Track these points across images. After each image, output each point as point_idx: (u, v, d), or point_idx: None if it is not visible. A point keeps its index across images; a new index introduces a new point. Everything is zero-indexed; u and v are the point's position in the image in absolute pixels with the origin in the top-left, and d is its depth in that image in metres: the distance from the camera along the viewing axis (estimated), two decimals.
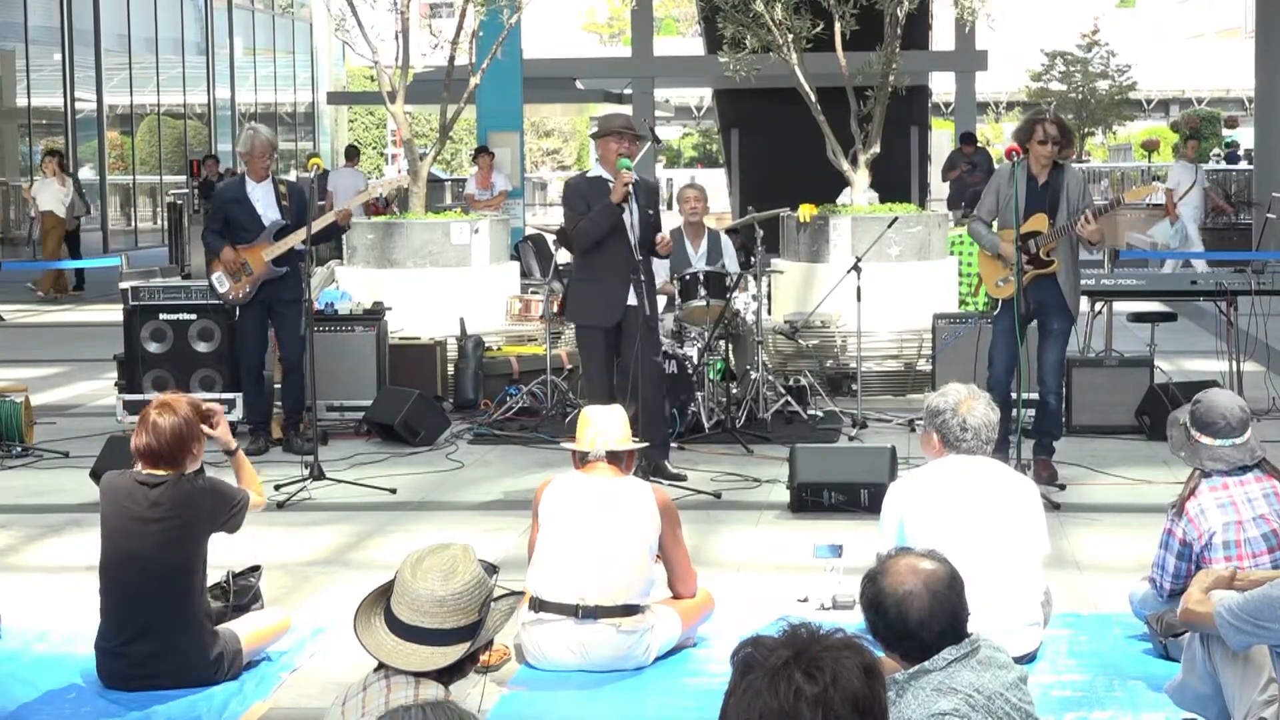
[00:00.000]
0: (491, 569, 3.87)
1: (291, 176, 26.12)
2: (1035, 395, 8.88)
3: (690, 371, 10.02)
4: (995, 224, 8.76)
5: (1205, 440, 5.41)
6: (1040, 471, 8.63)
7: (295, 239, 9.51)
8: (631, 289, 8.44)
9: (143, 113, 32.63)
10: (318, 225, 9.57)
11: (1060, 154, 8.55)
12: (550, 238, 14.25)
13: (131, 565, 5.48)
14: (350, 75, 50.37)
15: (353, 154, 23.38)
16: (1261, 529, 5.34)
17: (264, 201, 9.82)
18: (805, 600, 6.46)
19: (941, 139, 30.97)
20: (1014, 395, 8.35)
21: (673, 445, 9.32)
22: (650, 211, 8.75)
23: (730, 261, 10.84)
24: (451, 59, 12.91)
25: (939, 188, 24.25)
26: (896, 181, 22.33)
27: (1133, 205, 21.19)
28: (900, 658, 3.63)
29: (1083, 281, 10.32)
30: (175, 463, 5.56)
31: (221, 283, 9.79)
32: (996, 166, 21.06)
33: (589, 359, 8.87)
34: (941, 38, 28.34)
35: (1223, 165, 32.31)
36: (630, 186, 8.50)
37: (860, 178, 12.49)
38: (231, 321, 10.14)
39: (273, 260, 9.69)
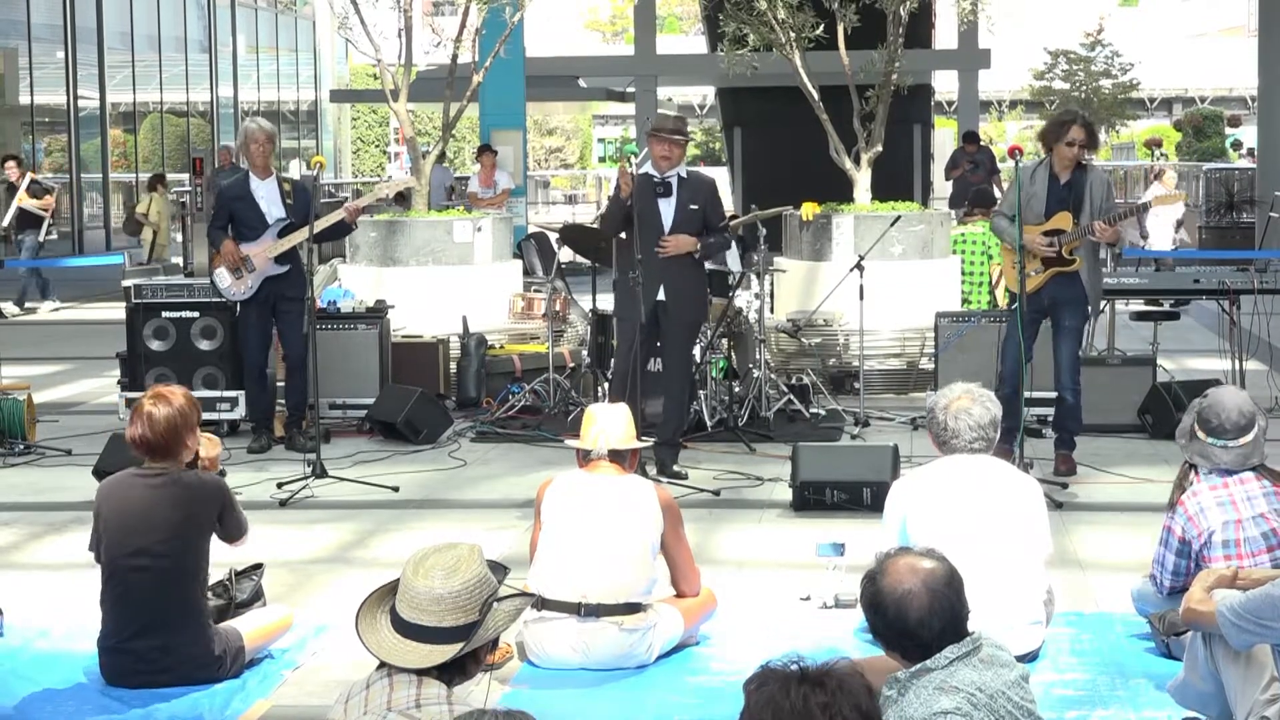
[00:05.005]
0: (501, 570, 3.87)
1: (295, 174, 26.09)
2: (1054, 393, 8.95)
3: (693, 370, 10.01)
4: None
5: (1200, 435, 5.42)
6: (1060, 465, 8.78)
7: (299, 237, 9.49)
8: (662, 286, 8.56)
9: (145, 110, 32.62)
10: (326, 222, 9.58)
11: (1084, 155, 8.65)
12: (553, 236, 14.24)
13: (132, 562, 5.47)
14: (353, 73, 50.29)
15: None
16: (1261, 528, 5.32)
17: (268, 199, 9.79)
18: (807, 599, 6.46)
19: (944, 137, 30.95)
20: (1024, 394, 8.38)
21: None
22: (693, 206, 8.78)
23: (731, 259, 10.82)
24: (454, 57, 12.91)
25: (942, 186, 24.23)
26: (899, 180, 22.31)
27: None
28: (901, 657, 3.64)
29: None
30: (170, 453, 5.55)
31: (222, 278, 9.78)
32: (1000, 165, 21.17)
33: (617, 351, 8.93)
34: (944, 36, 28.32)
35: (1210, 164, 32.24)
36: (646, 180, 8.63)
37: (863, 176, 12.49)
38: (234, 319, 10.13)
39: (275, 258, 9.69)
